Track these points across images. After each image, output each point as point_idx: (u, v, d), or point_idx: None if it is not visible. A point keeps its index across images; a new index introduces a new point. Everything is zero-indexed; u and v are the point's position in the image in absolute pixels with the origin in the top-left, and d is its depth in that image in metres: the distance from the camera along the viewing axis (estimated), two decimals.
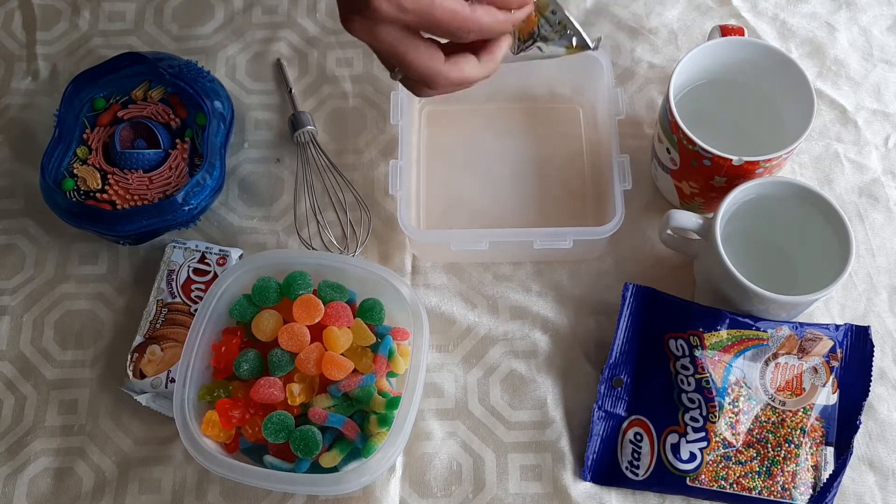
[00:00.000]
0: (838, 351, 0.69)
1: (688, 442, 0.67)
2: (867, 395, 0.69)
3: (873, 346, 0.70)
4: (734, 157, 0.67)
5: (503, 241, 0.74)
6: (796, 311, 0.70)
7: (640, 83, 0.84)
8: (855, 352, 0.70)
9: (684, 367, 0.69)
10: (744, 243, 0.71)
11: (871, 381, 0.69)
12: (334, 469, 0.65)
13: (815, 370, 0.69)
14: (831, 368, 0.69)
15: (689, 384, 0.68)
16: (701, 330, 0.69)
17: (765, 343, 0.69)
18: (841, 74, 0.85)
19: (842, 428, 0.68)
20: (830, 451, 0.68)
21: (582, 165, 0.80)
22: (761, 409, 0.68)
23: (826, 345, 0.69)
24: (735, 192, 0.68)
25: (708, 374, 0.68)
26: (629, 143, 0.80)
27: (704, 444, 0.67)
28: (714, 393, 0.67)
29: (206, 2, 0.89)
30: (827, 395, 0.69)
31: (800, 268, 0.72)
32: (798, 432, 0.67)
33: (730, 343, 0.69)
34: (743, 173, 0.69)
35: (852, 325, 0.71)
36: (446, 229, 0.77)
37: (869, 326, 0.70)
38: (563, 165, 0.80)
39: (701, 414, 0.67)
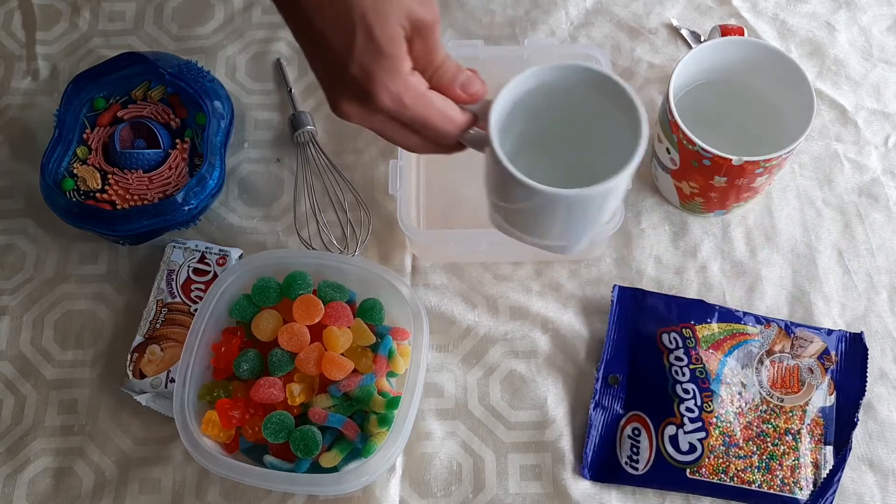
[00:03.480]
0: (832, 354, 0.70)
1: (686, 433, 0.67)
2: (864, 395, 0.69)
3: (867, 350, 0.71)
4: (734, 157, 0.67)
5: (503, 241, 0.74)
6: (585, 213, 0.59)
7: (640, 83, 0.84)
8: (850, 357, 0.71)
9: (678, 359, 0.69)
10: (539, 150, 0.63)
11: (866, 384, 0.70)
12: (334, 469, 0.65)
13: (811, 370, 0.70)
14: (826, 370, 0.70)
15: (683, 374, 0.69)
16: (692, 322, 0.70)
17: (755, 339, 0.70)
18: (841, 74, 0.85)
19: (840, 428, 0.69)
20: (830, 449, 0.68)
21: None
22: (759, 404, 0.69)
23: (818, 346, 0.70)
24: (517, 79, 0.58)
25: (702, 365, 0.68)
26: None
27: (703, 434, 0.67)
28: (708, 382, 0.68)
29: (205, 2, 0.89)
30: (824, 397, 0.69)
31: (602, 168, 0.59)
32: (795, 428, 0.68)
33: (722, 337, 0.69)
34: (743, 173, 0.69)
35: (845, 332, 0.71)
36: (446, 229, 0.77)
37: (862, 332, 0.71)
38: None
39: (696, 404, 0.68)
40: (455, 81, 0.55)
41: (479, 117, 0.57)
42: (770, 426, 0.68)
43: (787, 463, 0.67)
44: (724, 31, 0.80)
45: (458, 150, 0.59)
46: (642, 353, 0.71)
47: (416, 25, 0.53)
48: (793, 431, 0.68)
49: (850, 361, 0.71)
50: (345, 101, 0.55)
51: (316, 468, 0.65)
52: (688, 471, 0.67)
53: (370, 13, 0.51)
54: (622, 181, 0.55)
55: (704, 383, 0.68)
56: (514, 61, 0.79)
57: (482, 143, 0.57)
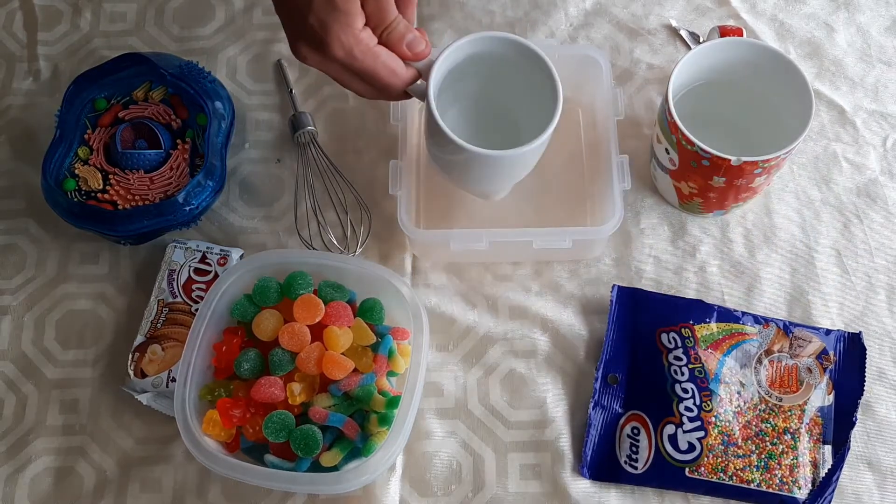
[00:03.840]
0: (831, 354, 0.71)
1: (685, 432, 0.68)
2: (862, 394, 0.70)
3: (865, 350, 0.71)
4: (733, 158, 0.68)
5: (503, 241, 0.74)
6: (503, 170, 0.68)
7: (639, 84, 0.85)
8: (848, 357, 0.71)
9: (677, 358, 0.70)
10: (474, 109, 0.72)
11: (865, 384, 0.70)
12: (334, 468, 0.65)
13: (810, 370, 0.70)
14: (825, 370, 0.70)
15: (682, 374, 0.69)
16: (691, 322, 0.71)
17: (754, 339, 0.70)
18: (839, 75, 0.85)
19: (838, 427, 0.69)
20: (828, 448, 0.68)
21: (581, 165, 0.80)
22: (757, 404, 0.69)
23: (817, 346, 0.70)
24: (457, 44, 0.65)
25: (701, 364, 0.69)
26: (629, 143, 0.80)
27: (702, 433, 0.67)
28: (707, 382, 0.68)
29: (206, 3, 0.89)
30: (823, 396, 0.69)
31: (528, 130, 0.67)
32: (794, 427, 0.68)
33: (721, 337, 0.70)
34: (742, 173, 0.69)
35: (844, 331, 0.72)
36: (446, 229, 0.77)
37: (860, 332, 0.71)
38: (562, 165, 0.80)
39: (695, 403, 0.68)
40: (403, 40, 0.62)
41: (422, 74, 0.64)
42: (769, 425, 0.68)
43: (786, 462, 0.67)
44: (723, 31, 0.80)
45: (404, 98, 0.66)
46: (641, 353, 0.71)
47: None
48: (791, 431, 0.68)
49: (848, 361, 0.71)
50: (303, 47, 0.61)
51: (316, 467, 0.65)
52: (687, 470, 0.67)
53: None
54: (537, 146, 0.65)
55: (703, 383, 0.69)
56: None
57: (424, 96, 0.64)
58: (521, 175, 0.70)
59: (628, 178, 0.72)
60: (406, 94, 0.65)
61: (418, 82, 0.64)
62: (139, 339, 0.72)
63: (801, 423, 0.69)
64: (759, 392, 0.69)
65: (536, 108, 0.67)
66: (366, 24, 0.61)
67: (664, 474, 0.67)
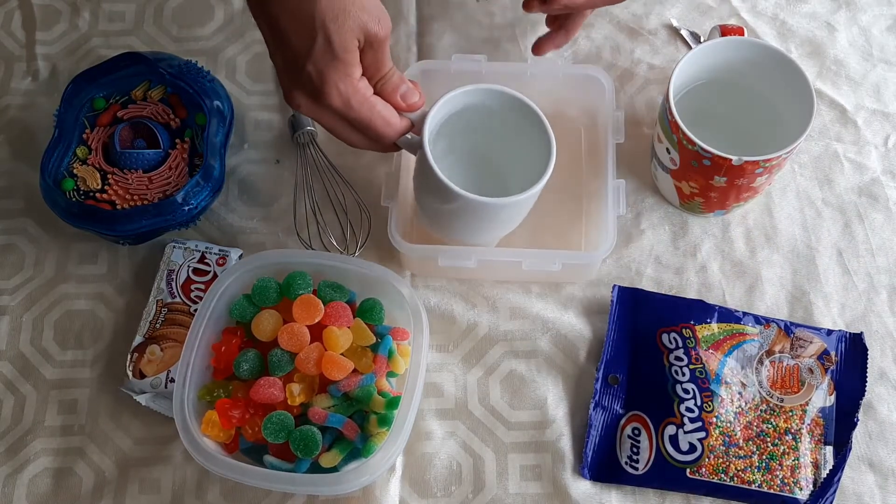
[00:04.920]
0: (832, 354, 0.70)
1: (686, 433, 0.67)
2: (863, 395, 0.69)
3: (867, 351, 0.71)
4: (734, 157, 0.68)
5: (491, 260, 0.73)
6: (498, 218, 0.69)
7: (639, 83, 0.84)
8: (850, 357, 0.71)
9: (678, 359, 0.70)
10: (463, 161, 0.73)
11: (866, 384, 0.70)
12: (334, 469, 0.65)
13: (811, 370, 0.70)
14: (826, 370, 0.70)
15: (683, 374, 0.69)
16: (692, 322, 0.71)
17: (755, 339, 0.70)
18: (841, 74, 0.85)
19: (840, 428, 0.69)
20: (830, 449, 0.68)
21: (579, 183, 0.79)
22: (759, 404, 0.69)
23: (818, 346, 0.70)
24: (450, 95, 0.67)
25: (702, 365, 0.69)
26: (629, 143, 0.80)
27: (703, 434, 0.67)
28: (708, 382, 0.68)
29: (205, 2, 0.89)
30: (824, 397, 0.69)
31: (516, 182, 0.70)
32: (795, 428, 0.68)
33: (722, 337, 0.70)
34: (743, 173, 0.69)
35: (845, 332, 0.72)
36: (437, 245, 0.74)
37: (862, 332, 0.71)
38: (559, 184, 0.77)
39: (696, 404, 0.68)
40: (397, 91, 0.63)
41: (415, 125, 0.65)
42: (770, 426, 0.68)
43: (787, 463, 0.67)
44: (724, 31, 0.80)
45: (393, 151, 0.67)
46: (642, 353, 0.71)
47: (370, 39, 0.60)
48: (793, 431, 0.68)
49: (849, 361, 0.71)
50: (298, 94, 0.61)
51: (316, 468, 0.65)
52: (688, 471, 0.67)
53: (330, 23, 0.58)
54: (531, 196, 0.66)
55: (704, 383, 0.69)
56: (518, 77, 0.78)
57: (416, 148, 0.65)
58: (511, 226, 0.71)
59: (623, 203, 0.72)
60: (396, 147, 0.66)
61: (409, 136, 0.65)
62: (138, 339, 0.71)
63: (803, 423, 0.68)
64: (760, 393, 0.69)
65: (529, 159, 0.68)
66: (362, 75, 0.61)
67: (665, 475, 0.67)
